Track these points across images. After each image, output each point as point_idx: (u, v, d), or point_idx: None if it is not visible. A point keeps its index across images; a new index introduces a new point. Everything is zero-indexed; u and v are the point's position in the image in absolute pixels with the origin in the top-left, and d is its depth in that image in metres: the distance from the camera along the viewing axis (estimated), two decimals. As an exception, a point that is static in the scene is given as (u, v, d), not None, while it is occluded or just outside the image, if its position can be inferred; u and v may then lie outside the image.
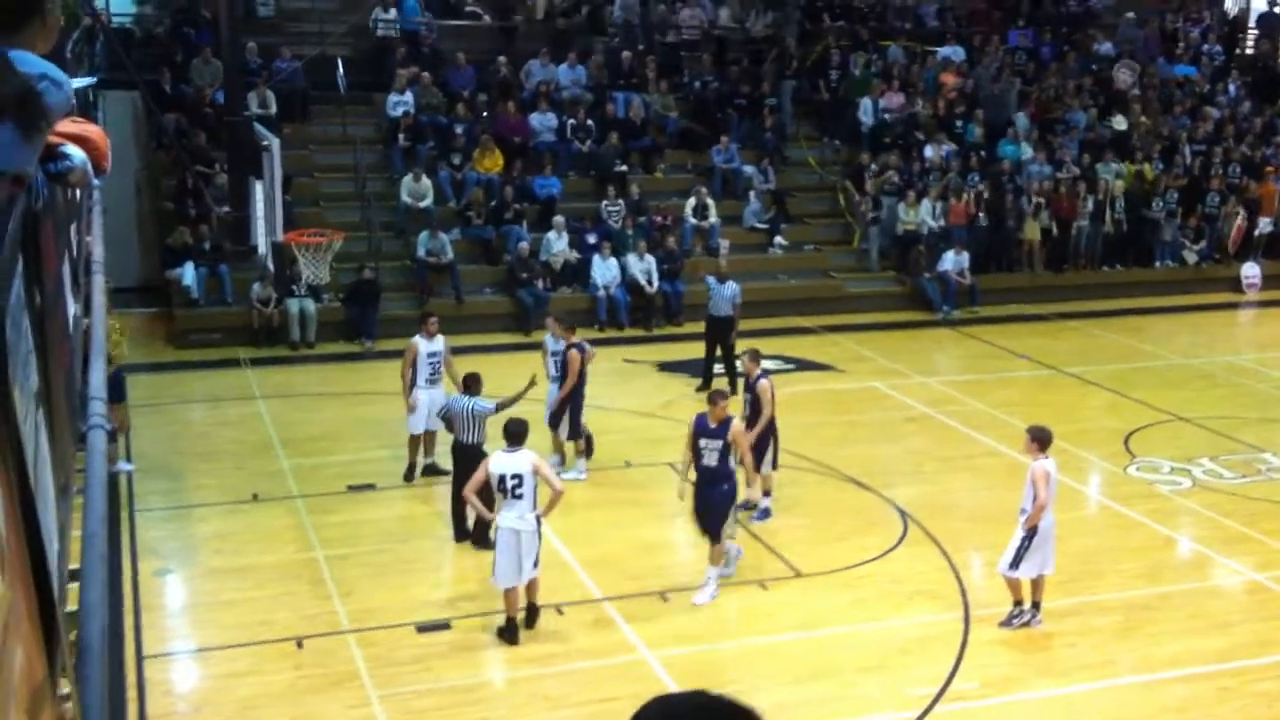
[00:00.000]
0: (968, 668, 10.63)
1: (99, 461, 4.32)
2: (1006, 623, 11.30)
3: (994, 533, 12.86)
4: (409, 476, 14.61)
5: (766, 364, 14.22)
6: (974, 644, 11.04)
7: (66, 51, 13.88)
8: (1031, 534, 11.02)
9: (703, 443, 11.69)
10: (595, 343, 16.35)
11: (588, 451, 15.05)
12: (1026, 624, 11.28)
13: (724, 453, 11.63)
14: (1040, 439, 11.15)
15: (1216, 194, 26.47)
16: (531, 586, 11.07)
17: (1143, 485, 15.07)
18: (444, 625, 11.24)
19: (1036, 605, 11.34)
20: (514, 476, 10.76)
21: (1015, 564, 11.13)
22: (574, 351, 14.54)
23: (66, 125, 4.29)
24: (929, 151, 25.42)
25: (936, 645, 11.00)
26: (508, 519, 10.81)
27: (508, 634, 10.94)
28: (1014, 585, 11.30)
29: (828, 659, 10.77)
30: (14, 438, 2.60)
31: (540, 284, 21.74)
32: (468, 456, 12.13)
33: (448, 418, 13.01)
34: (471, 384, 12.85)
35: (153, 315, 21.87)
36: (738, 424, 11.96)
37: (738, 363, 16.44)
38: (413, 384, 14.35)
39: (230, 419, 17.10)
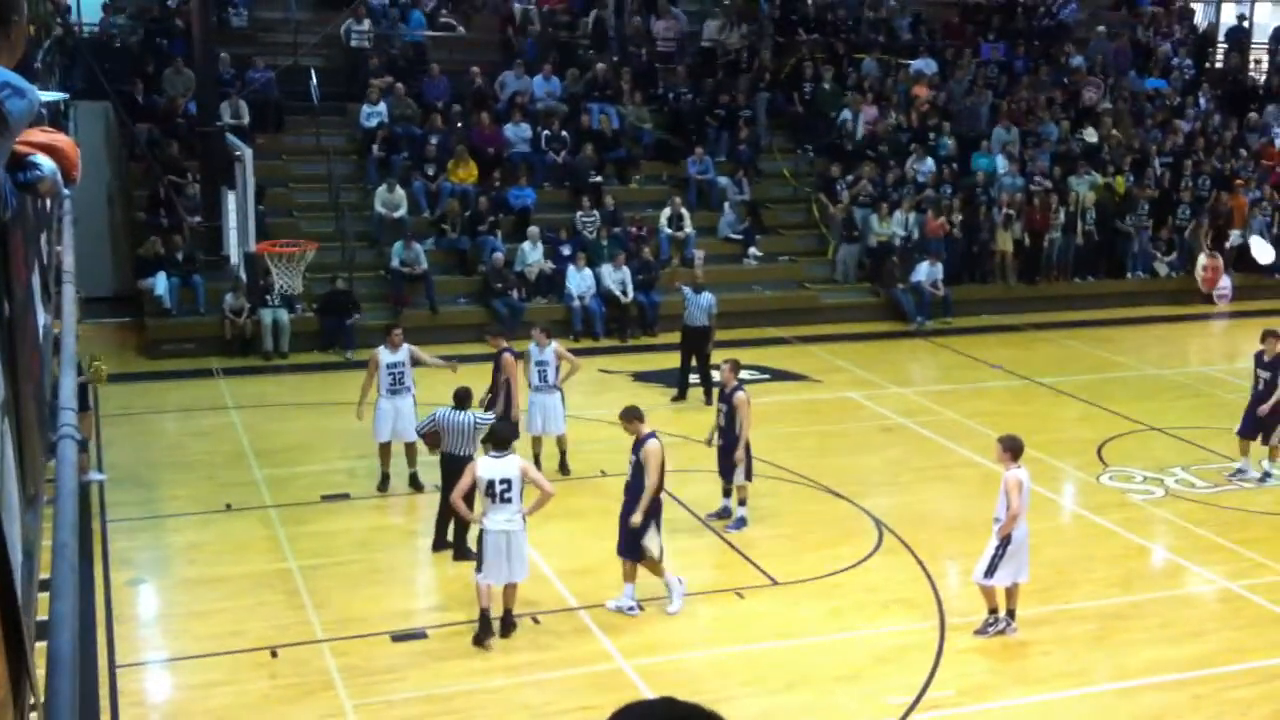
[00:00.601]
0: (944, 676, 10.65)
1: (69, 471, 4.29)
2: (981, 631, 11.33)
3: (969, 542, 12.89)
4: (383, 486, 14.57)
5: (741, 374, 14.22)
6: (950, 652, 11.07)
7: (37, 62, 13.82)
8: (1005, 543, 11.07)
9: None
10: (574, 354, 16.25)
11: (561, 468, 15.03)
12: (1001, 632, 11.31)
13: (637, 470, 11.40)
14: (1012, 448, 11.20)
15: (1187, 206, 26.68)
16: (509, 594, 11.04)
17: (1116, 494, 15.14)
18: (420, 634, 11.19)
19: (1011, 613, 11.37)
20: (503, 481, 10.77)
21: (990, 572, 11.17)
22: (506, 355, 14.63)
23: (36, 135, 4.27)
24: (909, 164, 25.51)
25: (912, 654, 11.02)
26: (496, 522, 10.81)
27: (483, 632, 10.92)
28: (989, 594, 11.33)
29: (804, 668, 10.77)
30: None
31: (515, 294, 21.72)
32: (460, 468, 12.07)
33: (435, 432, 12.76)
34: (464, 399, 12.73)
35: (125, 325, 21.77)
36: (651, 445, 11.42)
37: (714, 373, 16.44)
38: (379, 393, 14.39)
39: (203, 429, 17.01)
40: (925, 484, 15.35)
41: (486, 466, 10.88)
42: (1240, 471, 15.60)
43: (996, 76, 29.01)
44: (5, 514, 2.88)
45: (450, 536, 12.69)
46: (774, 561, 12.84)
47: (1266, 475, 15.47)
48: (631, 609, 11.54)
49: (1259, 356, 15.45)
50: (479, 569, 10.98)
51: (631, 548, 11.47)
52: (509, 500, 10.80)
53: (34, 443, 4.34)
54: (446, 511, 12.39)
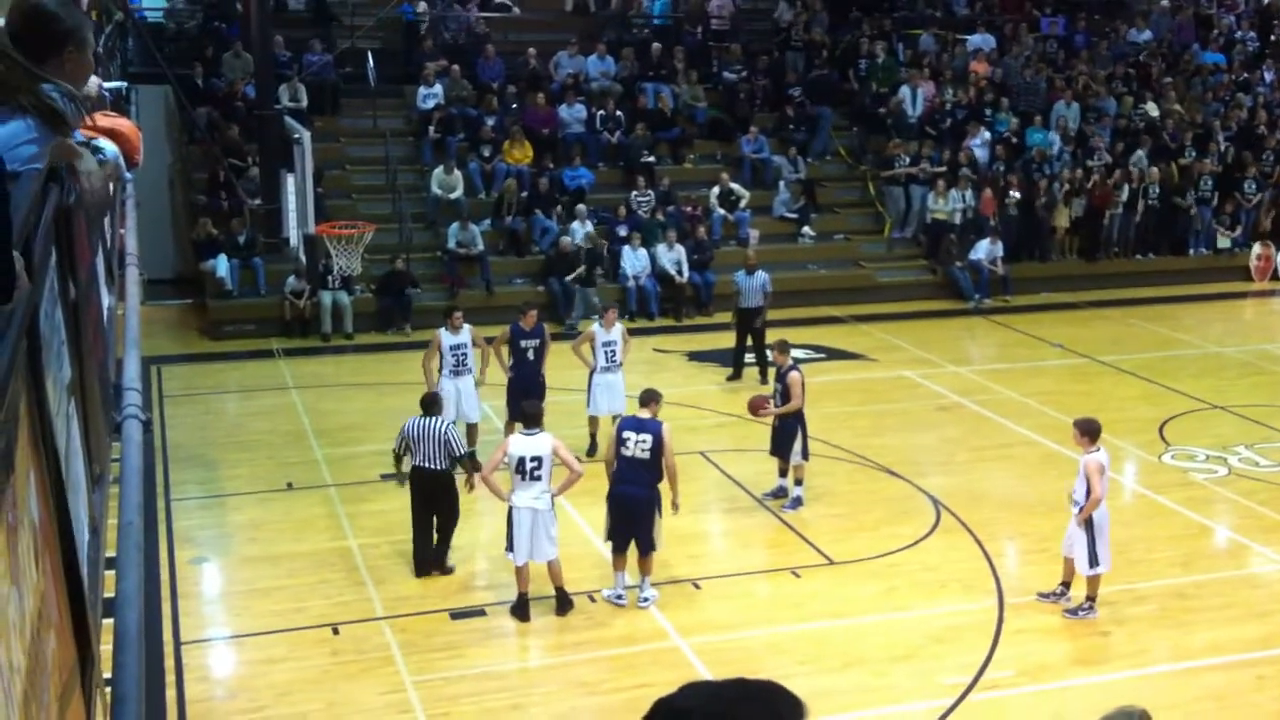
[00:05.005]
0: (1001, 656, 10.59)
1: (134, 451, 4.37)
2: (1072, 612, 11.20)
3: (1026, 521, 12.82)
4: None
5: (796, 353, 14.17)
6: (1008, 632, 11.00)
7: (98, 47, 13.99)
8: (1090, 527, 10.95)
9: (626, 435, 11.21)
10: (630, 333, 16.21)
11: (591, 450, 14.91)
12: (1076, 612, 11.18)
13: (655, 450, 11.13)
14: (1089, 431, 11.04)
15: (1253, 180, 26.24)
16: (554, 571, 11.11)
17: (1178, 473, 14.96)
18: (478, 612, 11.29)
19: (1066, 585, 11.30)
20: (534, 459, 10.85)
21: (1094, 561, 11.00)
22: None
23: (99, 119, 4.34)
24: (966, 141, 25.22)
25: (970, 634, 10.96)
26: (524, 499, 10.90)
27: (519, 611, 11.06)
28: (1093, 582, 11.11)
29: (860, 648, 10.75)
30: (47, 430, 2.63)
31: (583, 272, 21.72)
32: (432, 482, 11.91)
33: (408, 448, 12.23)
34: (431, 405, 12.10)
35: (187, 307, 22.06)
36: (669, 429, 11.30)
37: (769, 353, 16.39)
38: (440, 373, 14.48)
39: (264, 409, 17.22)
40: (983, 463, 15.24)
41: (518, 444, 10.96)
42: None
43: (1055, 52, 28.64)
44: (72, 493, 2.95)
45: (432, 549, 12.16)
46: (830, 541, 12.82)
47: None
48: (620, 598, 11.42)
49: None
50: (509, 547, 11.04)
51: (647, 536, 11.28)
52: (538, 478, 10.86)
53: (99, 423, 4.43)
54: (424, 529, 11.98)
